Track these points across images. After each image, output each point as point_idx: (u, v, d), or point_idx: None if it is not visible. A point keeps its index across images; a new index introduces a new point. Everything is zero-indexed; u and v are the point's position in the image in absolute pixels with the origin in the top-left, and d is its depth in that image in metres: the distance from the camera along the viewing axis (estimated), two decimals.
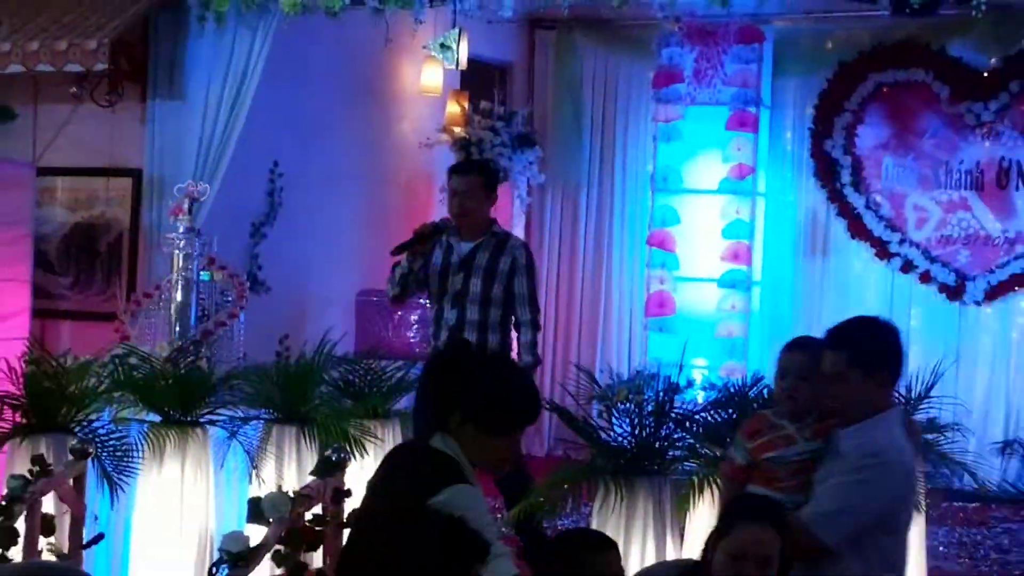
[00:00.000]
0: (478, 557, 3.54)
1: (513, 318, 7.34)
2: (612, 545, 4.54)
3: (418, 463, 4.43)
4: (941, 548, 7.52)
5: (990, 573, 7.57)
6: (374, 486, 4.60)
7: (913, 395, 6.99)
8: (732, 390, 7.16)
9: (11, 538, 6.46)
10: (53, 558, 6.66)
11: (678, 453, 6.56)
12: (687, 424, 6.67)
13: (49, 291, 9.09)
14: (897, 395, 5.38)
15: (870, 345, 4.79)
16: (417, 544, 3.68)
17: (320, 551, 6.04)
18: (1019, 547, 8.06)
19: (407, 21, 8.61)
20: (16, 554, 6.50)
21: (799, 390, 4.87)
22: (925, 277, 10.45)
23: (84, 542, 6.98)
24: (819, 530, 4.48)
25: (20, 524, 6.52)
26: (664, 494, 6.28)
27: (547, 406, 6.41)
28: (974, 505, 9.08)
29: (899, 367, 4.91)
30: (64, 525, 6.91)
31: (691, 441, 6.62)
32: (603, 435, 6.66)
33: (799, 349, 5.10)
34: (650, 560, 5.57)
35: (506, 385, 4.54)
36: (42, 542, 6.68)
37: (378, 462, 5.09)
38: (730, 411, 6.76)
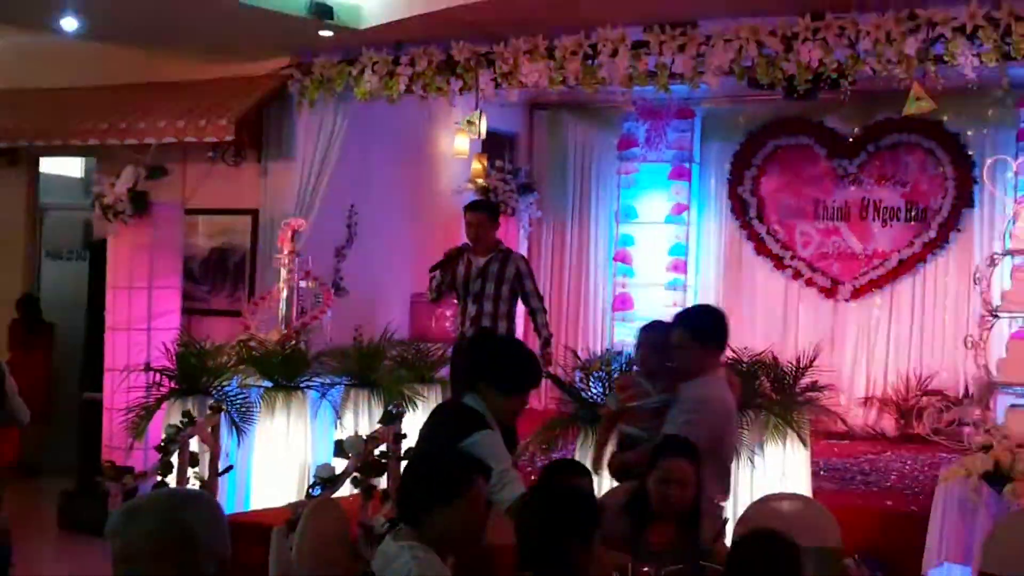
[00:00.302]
0: (480, 472, 3.56)
1: (528, 308, 7.41)
2: (587, 472, 4.57)
3: (455, 415, 4.47)
4: (822, 472, 7.49)
5: (856, 489, 7.54)
6: (423, 431, 4.63)
7: (800, 365, 6.97)
8: None
9: (168, 469, 6.55)
10: (197, 483, 6.71)
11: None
12: None
13: (193, 295, 9.11)
14: (725, 359, 5.51)
15: (704, 324, 5.05)
16: (432, 467, 3.72)
17: (384, 477, 6.06)
18: (876, 471, 8.04)
19: (444, 104, 8.63)
20: (172, 479, 6.56)
21: (650, 357, 5.15)
22: (809, 282, 10.41)
23: (219, 471, 7.03)
24: None
25: (174, 459, 6.62)
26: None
27: (545, 374, 6.42)
28: (844, 442, 9.09)
29: (724, 340, 5.13)
30: (205, 459, 6.97)
31: None
32: (583, 394, 6.66)
33: (651, 329, 5.32)
34: (616, 483, 5.56)
35: (518, 360, 4.58)
36: (189, 472, 6.74)
37: (426, 414, 5.13)
38: None
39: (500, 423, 4.50)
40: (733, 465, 6.41)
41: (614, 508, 4.35)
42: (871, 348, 10.18)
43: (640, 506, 4.39)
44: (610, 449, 5.29)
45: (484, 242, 7.30)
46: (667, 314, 10.56)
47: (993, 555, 4.77)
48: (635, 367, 5.47)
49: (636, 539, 4.24)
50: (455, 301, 7.90)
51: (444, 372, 8.19)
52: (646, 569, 3.90)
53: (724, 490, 5.06)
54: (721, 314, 5.33)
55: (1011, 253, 7.66)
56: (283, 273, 8.61)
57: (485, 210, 7.53)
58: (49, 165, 10.64)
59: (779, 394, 6.78)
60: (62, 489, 8.67)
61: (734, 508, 6.00)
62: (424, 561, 3.41)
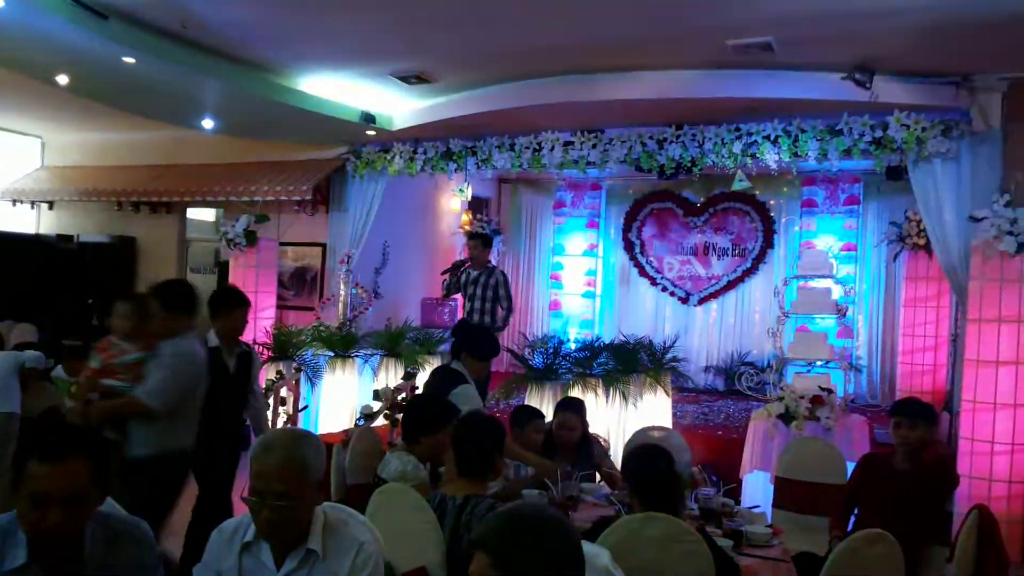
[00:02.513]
0: (455, 414, 3.56)
1: (499, 306, 7.27)
2: (540, 414, 4.57)
3: (446, 374, 4.45)
4: (677, 413, 7.52)
5: (700, 424, 7.56)
6: (427, 384, 4.61)
7: (666, 346, 6.98)
8: (586, 343, 7.18)
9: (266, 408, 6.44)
10: (285, 416, 6.64)
11: (563, 371, 6.56)
12: (566, 358, 6.66)
13: (284, 297, 9.04)
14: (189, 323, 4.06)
15: (173, 296, 3.95)
16: (427, 409, 3.73)
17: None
18: (712, 413, 8.08)
19: (444, 178, 8.63)
20: (269, 414, 6.48)
21: (125, 324, 3.85)
22: (672, 294, 10.47)
23: (299, 409, 6.97)
24: (149, 400, 3.70)
25: (271, 400, 6.54)
26: (558, 388, 6.28)
27: (505, 349, 6.41)
28: (692, 394, 9.14)
29: (193, 308, 3.98)
30: (290, 401, 6.89)
31: (568, 365, 6.61)
32: (530, 362, 6.66)
33: (124, 300, 3.97)
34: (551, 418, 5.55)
35: (485, 338, 4.58)
36: (280, 409, 6.68)
37: (428, 374, 5.10)
38: (585, 352, 6.76)
39: (476, 381, 4.50)
40: (621, 406, 6.47)
41: (537, 446, 4.39)
42: (710, 335, 10.25)
43: (550, 443, 4.43)
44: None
45: (478, 260, 7.26)
46: (584, 313, 10.74)
47: (783, 465, 4.81)
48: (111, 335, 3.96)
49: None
50: (451, 302, 7.89)
51: (444, 347, 8.13)
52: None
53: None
54: (190, 286, 4.15)
55: (797, 277, 7.73)
56: (341, 283, 8.58)
57: (479, 239, 7.50)
58: (193, 213, 10.54)
59: (652, 363, 6.81)
60: None
61: (623, 436, 6.04)
62: (407, 460, 3.46)
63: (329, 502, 2.36)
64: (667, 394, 6.73)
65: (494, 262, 11.07)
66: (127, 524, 2.11)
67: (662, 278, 10.53)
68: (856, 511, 4.07)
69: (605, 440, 4.98)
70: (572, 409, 4.58)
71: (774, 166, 6.82)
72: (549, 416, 5.02)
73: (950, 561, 3.31)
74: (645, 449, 3.28)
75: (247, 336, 7.96)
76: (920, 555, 3.67)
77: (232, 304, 4.45)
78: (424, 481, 3.40)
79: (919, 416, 3.92)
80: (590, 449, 4.55)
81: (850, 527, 4.02)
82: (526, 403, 6.05)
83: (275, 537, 2.16)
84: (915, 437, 3.89)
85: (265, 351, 7.48)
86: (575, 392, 6.10)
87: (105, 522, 2.03)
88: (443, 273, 7.51)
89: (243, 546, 2.21)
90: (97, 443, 2.00)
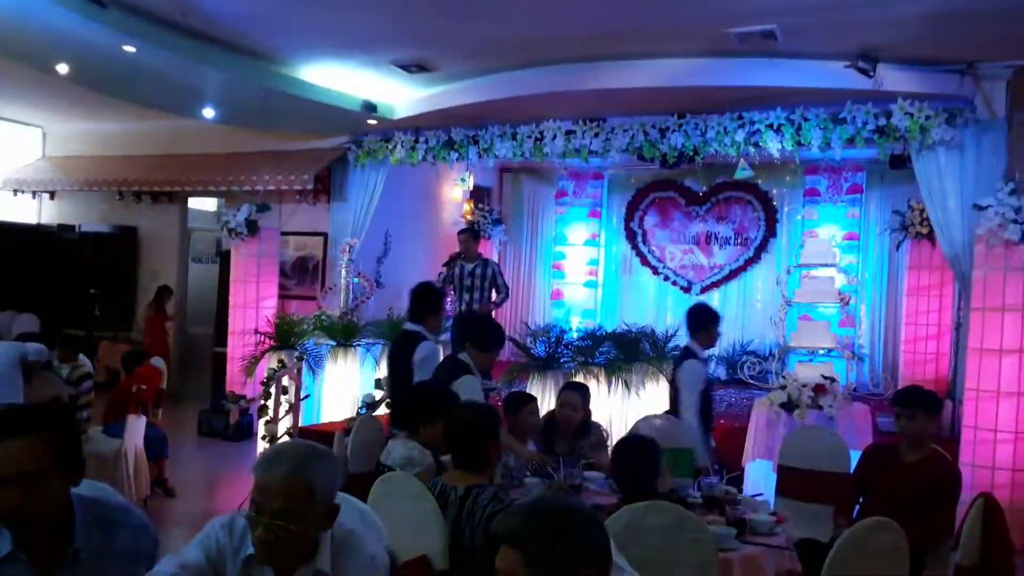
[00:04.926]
0: (455, 403, 3.54)
1: (495, 293, 7.28)
2: (532, 397, 4.54)
3: (451, 365, 4.43)
4: None
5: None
6: (433, 373, 4.59)
7: (668, 335, 6.95)
8: (588, 332, 7.16)
9: (268, 396, 6.45)
10: (286, 406, 6.62)
11: (565, 359, 6.54)
12: (568, 347, 6.66)
13: (285, 286, 9.01)
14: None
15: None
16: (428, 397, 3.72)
17: None
18: (715, 401, 8.01)
19: (446, 168, 8.59)
20: (271, 403, 6.48)
21: None
22: (674, 283, 10.42)
23: (300, 398, 6.96)
24: None
25: (272, 390, 6.52)
26: (559, 377, 6.27)
27: (508, 338, 6.39)
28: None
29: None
30: (292, 390, 6.88)
31: (570, 354, 6.60)
32: (532, 351, 6.64)
33: None
34: (552, 406, 5.54)
35: (490, 328, 4.56)
36: (281, 398, 6.66)
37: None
38: (587, 341, 6.74)
39: (481, 371, 4.49)
40: (624, 395, 6.46)
41: (535, 429, 4.37)
42: None
43: (550, 427, 4.41)
44: None
45: (470, 253, 7.30)
46: (586, 302, 10.70)
47: (786, 453, 4.80)
48: None
49: (548, 451, 4.29)
50: (452, 292, 7.88)
51: (446, 336, 8.11)
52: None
53: None
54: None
55: (800, 267, 7.70)
56: (343, 272, 8.56)
57: (468, 232, 7.54)
58: (194, 203, 10.52)
59: (655, 352, 6.80)
60: (200, 409, 8.57)
61: (625, 425, 6.03)
62: (412, 446, 3.46)
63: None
64: (669, 383, 6.70)
65: (496, 251, 11.19)
66: (119, 510, 2.05)
67: (664, 267, 10.49)
68: (861, 500, 4.05)
69: (605, 430, 4.97)
70: (576, 390, 4.57)
71: (777, 155, 6.77)
72: (544, 406, 5.01)
73: (955, 549, 3.29)
74: (628, 439, 3.51)
75: (251, 324, 8.01)
76: (924, 543, 3.65)
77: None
78: (430, 466, 3.39)
79: (918, 406, 3.87)
80: (589, 435, 4.54)
81: (855, 515, 4.00)
82: (528, 392, 6.06)
83: (270, 560, 1.91)
84: (915, 427, 3.85)
85: (267, 340, 7.47)
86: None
87: (94, 509, 1.98)
88: (443, 266, 7.56)
89: (247, 557, 1.94)
90: (49, 419, 1.91)
